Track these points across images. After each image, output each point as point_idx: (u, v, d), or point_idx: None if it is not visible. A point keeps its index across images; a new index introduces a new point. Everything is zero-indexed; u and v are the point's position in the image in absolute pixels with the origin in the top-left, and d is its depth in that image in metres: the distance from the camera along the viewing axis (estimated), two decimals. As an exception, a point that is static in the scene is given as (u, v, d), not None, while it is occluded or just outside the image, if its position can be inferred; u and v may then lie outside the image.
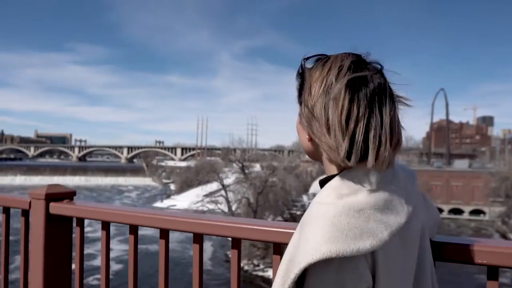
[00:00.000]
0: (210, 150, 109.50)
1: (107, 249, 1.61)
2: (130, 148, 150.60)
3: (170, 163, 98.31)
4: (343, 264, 0.84)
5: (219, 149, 76.70)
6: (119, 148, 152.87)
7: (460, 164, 61.21)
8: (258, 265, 28.14)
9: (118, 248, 25.61)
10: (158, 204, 50.00)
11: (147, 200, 58.57)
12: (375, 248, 0.86)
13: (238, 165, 39.41)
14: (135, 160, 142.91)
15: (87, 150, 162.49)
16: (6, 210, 2.03)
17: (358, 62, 0.96)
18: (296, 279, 0.86)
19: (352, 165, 0.92)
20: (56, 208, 1.74)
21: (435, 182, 52.94)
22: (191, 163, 67.29)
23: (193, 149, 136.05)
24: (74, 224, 1.80)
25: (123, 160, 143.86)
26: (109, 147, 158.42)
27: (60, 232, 1.80)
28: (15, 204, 1.94)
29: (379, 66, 0.97)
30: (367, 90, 0.92)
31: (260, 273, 27.07)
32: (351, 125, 0.90)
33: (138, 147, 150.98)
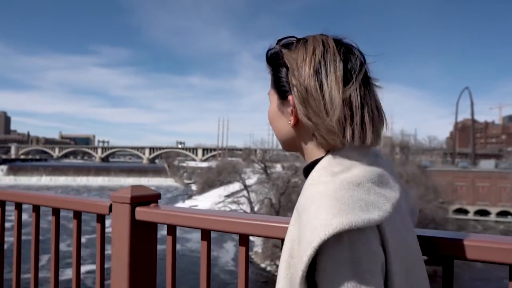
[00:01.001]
0: (231, 151, 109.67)
1: (208, 262, 1.42)
2: (151, 149, 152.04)
3: (192, 163, 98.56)
4: (355, 240, 0.77)
5: (240, 149, 76.66)
6: (141, 149, 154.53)
7: (486, 164, 59.58)
8: (281, 266, 27.94)
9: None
10: (180, 204, 50.09)
11: (169, 200, 58.81)
12: (383, 219, 0.81)
13: (260, 166, 39.22)
14: (156, 161, 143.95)
15: (110, 151, 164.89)
16: (77, 215, 1.83)
17: (340, 43, 0.93)
18: (309, 263, 0.76)
19: (347, 145, 0.90)
20: (144, 213, 1.55)
21: (460, 182, 51.76)
22: (212, 163, 67.26)
23: (214, 149, 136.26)
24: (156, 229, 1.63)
25: (145, 161, 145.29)
26: (131, 148, 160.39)
27: (146, 240, 1.61)
28: (90, 208, 1.74)
29: (356, 47, 0.95)
30: (359, 71, 0.91)
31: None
32: (351, 106, 0.88)
33: (160, 148, 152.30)
